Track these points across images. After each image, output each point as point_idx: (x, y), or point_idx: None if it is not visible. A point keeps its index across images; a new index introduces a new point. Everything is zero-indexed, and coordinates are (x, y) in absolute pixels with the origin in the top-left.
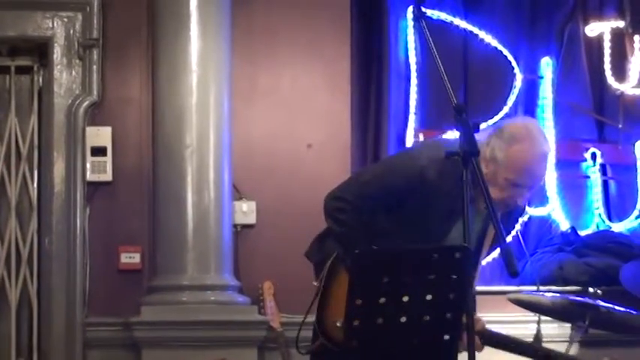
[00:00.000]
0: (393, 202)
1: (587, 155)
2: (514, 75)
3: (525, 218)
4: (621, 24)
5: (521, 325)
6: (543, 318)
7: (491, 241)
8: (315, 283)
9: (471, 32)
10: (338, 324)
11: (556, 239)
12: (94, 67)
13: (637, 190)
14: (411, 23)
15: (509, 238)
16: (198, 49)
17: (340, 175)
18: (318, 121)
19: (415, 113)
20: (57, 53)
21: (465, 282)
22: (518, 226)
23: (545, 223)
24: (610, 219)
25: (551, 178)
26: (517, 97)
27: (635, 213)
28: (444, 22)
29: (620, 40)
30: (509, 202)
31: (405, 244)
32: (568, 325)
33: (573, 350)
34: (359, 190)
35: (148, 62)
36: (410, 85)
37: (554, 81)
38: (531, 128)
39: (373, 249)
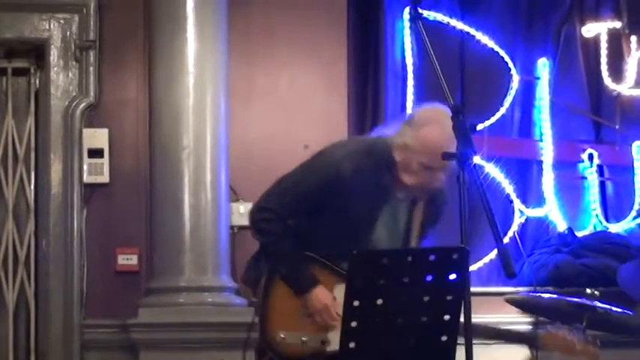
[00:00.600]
0: (315, 203)
1: (584, 156)
2: (511, 76)
3: (522, 219)
4: (618, 25)
5: (518, 326)
6: (540, 319)
7: (419, 229)
8: (254, 299)
9: (468, 33)
10: (282, 335)
11: (553, 240)
12: (91, 68)
13: (634, 191)
14: (407, 24)
15: (506, 239)
16: (195, 51)
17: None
18: (315, 122)
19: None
20: (54, 55)
21: (463, 283)
22: (515, 227)
23: (543, 224)
24: (607, 220)
25: (548, 179)
26: (514, 98)
27: (633, 214)
28: (441, 23)
29: (616, 41)
30: (426, 186)
31: (333, 246)
32: (565, 326)
33: None
34: (280, 197)
35: (145, 64)
36: (407, 86)
37: (551, 82)
38: (438, 112)
39: (371, 250)
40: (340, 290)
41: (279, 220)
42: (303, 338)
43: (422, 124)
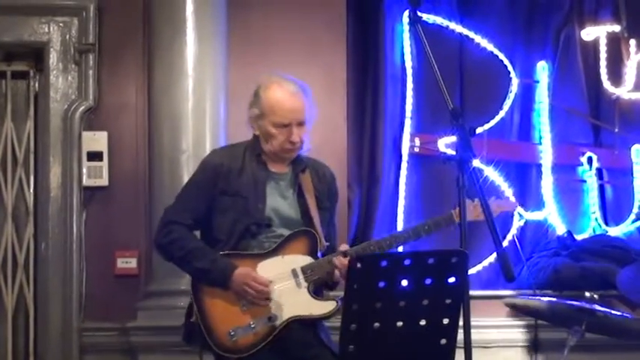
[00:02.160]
0: (205, 198)
1: (584, 159)
2: (510, 79)
3: (522, 223)
4: (617, 28)
5: (517, 329)
6: (540, 322)
7: (316, 202)
8: (193, 319)
9: (467, 36)
10: (231, 333)
11: (552, 243)
12: (90, 72)
13: (633, 195)
14: (407, 27)
15: (505, 243)
16: (195, 54)
17: (337, 179)
18: (314, 125)
19: (411, 117)
20: (53, 58)
21: (462, 287)
22: (514, 230)
23: (542, 227)
24: (606, 223)
25: (547, 182)
26: (513, 101)
27: (632, 217)
28: (440, 26)
29: (615, 45)
30: (287, 145)
31: (234, 229)
32: (565, 330)
33: (569, 355)
34: (172, 209)
35: (144, 67)
36: (406, 89)
37: (550, 85)
38: (275, 77)
39: (370, 254)
40: (263, 267)
41: (180, 226)
42: (251, 325)
43: (263, 90)
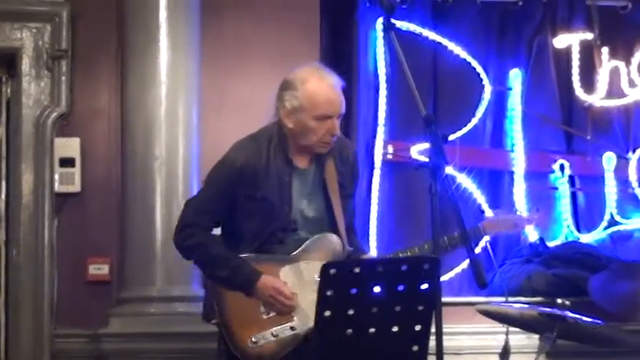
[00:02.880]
0: (228, 200)
1: (556, 167)
2: (483, 86)
3: None
4: (590, 36)
5: (489, 336)
6: (512, 329)
7: (339, 190)
8: (214, 321)
9: (441, 44)
10: (253, 340)
11: (524, 250)
12: (63, 78)
13: (605, 202)
14: (380, 34)
15: (477, 250)
16: (168, 61)
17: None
18: None
19: (384, 124)
20: (25, 64)
21: (434, 293)
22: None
23: (514, 234)
24: (578, 230)
25: (519, 190)
26: (486, 108)
27: (604, 224)
28: (414, 33)
29: (588, 52)
30: (326, 139)
31: (260, 234)
32: (536, 336)
33: None
34: (194, 210)
35: (117, 73)
36: (379, 96)
37: (523, 92)
38: (313, 67)
39: (342, 261)
40: (285, 273)
41: (202, 230)
42: (273, 333)
43: (301, 82)
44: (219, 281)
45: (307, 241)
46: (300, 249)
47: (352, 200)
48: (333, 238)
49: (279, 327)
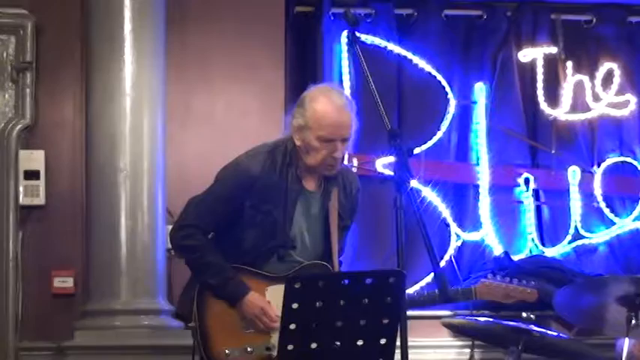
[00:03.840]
0: (231, 208)
1: (521, 180)
2: (448, 100)
3: (459, 243)
4: (554, 50)
5: (454, 349)
6: (477, 343)
7: (338, 221)
8: (192, 324)
9: (405, 57)
10: (227, 351)
11: (489, 264)
12: (28, 90)
13: (570, 216)
14: (345, 48)
15: (442, 263)
16: (132, 73)
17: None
18: (252, 144)
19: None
20: None
21: (399, 307)
22: (451, 250)
23: (479, 247)
24: (543, 244)
25: (484, 203)
26: (451, 122)
27: (568, 238)
28: (378, 47)
29: (552, 66)
30: (329, 161)
31: (256, 248)
32: (502, 350)
33: None
34: (196, 210)
35: (82, 86)
36: None
37: (488, 106)
38: (325, 88)
39: (307, 274)
40: (272, 292)
41: (201, 234)
42: (249, 349)
43: (310, 101)
44: (207, 286)
45: (300, 266)
46: (292, 271)
47: (346, 233)
48: (326, 268)
49: (256, 345)
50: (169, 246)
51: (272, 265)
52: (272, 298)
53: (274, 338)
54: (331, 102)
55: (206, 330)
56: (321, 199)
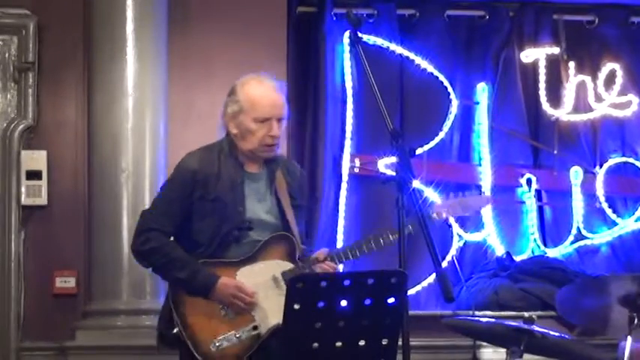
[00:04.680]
0: (184, 206)
1: (523, 181)
2: (450, 100)
3: (461, 243)
4: (556, 50)
5: (456, 350)
6: (479, 343)
7: (290, 200)
8: (175, 331)
9: (407, 58)
10: (217, 343)
11: (491, 264)
12: (30, 90)
13: (572, 216)
14: (347, 48)
15: (444, 264)
16: (134, 73)
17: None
18: None
19: (351, 138)
20: None
21: (401, 307)
22: (453, 251)
23: (481, 248)
24: (545, 244)
25: None
26: (453, 122)
27: (570, 238)
28: (381, 47)
29: (555, 67)
30: (267, 140)
31: (215, 235)
32: (503, 350)
33: None
34: (150, 217)
35: (84, 86)
36: (346, 109)
37: (490, 107)
38: (253, 75)
39: (309, 274)
40: (241, 276)
41: (161, 234)
42: (237, 335)
43: (242, 86)
44: (178, 283)
45: (261, 243)
46: (254, 250)
47: (303, 212)
48: (287, 236)
49: (242, 328)
50: None
51: (233, 250)
52: (244, 280)
53: (258, 315)
54: (263, 84)
55: (190, 331)
56: (266, 179)
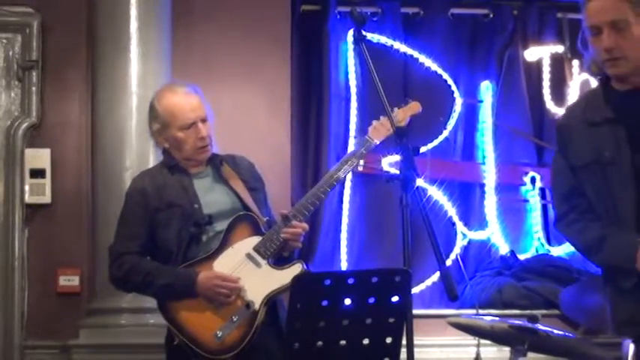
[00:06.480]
0: (146, 221)
1: (527, 179)
2: (454, 99)
3: (465, 242)
4: (560, 49)
5: (460, 348)
6: (482, 341)
7: (245, 189)
8: (176, 342)
9: (411, 56)
10: (219, 334)
11: (495, 263)
12: (34, 88)
13: None
14: (351, 46)
15: (448, 262)
16: (138, 72)
17: (280, 198)
18: (258, 143)
19: (355, 136)
20: None
21: (405, 306)
22: (457, 249)
23: (485, 246)
24: (549, 243)
25: (490, 202)
26: (457, 120)
27: None
28: (385, 45)
29: (559, 65)
30: (199, 143)
31: (182, 237)
32: (507, 349)
33: None
34: (115, 246)
35: (88, 84)
36: (350, 107)
37: (494, 105)
38: (164, 86)
39: (313, 273)
40: (219, 265)
41: (130, 256)
42: (234, 319)
43: (157, 102)
44: (161, 292)
45: (225, 229)
46: (221, 239)
47: (261, 195)
48: (247, 215)
49: (236, 311)
50: None
51: (203, 247)
52: (222, 269)
53: (248, 294)
54: (174, 92)
55: (189, 333)
56: (213, 174)
